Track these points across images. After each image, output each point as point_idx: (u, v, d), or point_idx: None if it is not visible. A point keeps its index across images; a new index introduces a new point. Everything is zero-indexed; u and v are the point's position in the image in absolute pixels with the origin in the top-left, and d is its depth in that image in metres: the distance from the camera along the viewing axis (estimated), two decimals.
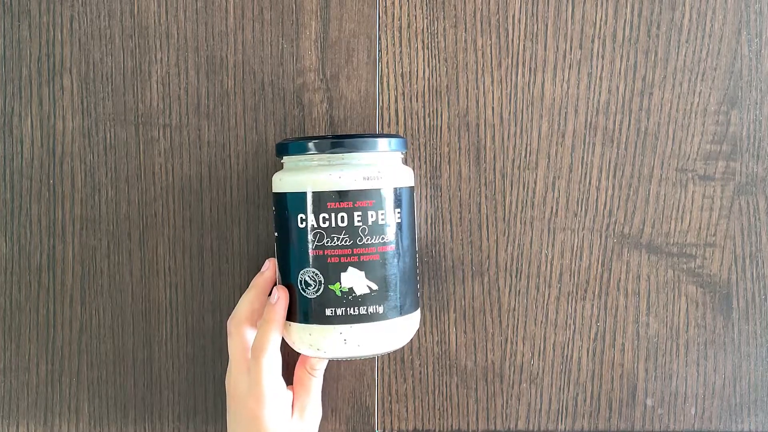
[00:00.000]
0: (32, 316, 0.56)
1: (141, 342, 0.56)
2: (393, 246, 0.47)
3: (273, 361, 0.49)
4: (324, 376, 0.55)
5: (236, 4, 0.55)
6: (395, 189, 0.48)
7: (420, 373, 0.56)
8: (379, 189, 0.47)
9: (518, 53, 0.55)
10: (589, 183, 0.56)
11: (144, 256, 0.56)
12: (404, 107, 0.55)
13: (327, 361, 0.54)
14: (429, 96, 0.55)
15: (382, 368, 0.56)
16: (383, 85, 0.55)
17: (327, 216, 0.46)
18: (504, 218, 0.56)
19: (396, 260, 0.48)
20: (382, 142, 0.48)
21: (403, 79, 0.55)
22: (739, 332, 0.56)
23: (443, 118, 0.55)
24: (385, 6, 0.55)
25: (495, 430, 0.56)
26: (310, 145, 0.47)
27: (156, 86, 0.56)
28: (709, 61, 0.55)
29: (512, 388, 0.56)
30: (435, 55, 0.55)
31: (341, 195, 0.46)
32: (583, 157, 0.55)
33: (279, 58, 0.55)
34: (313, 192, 0.47)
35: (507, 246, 0.56)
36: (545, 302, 0.56)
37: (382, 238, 0.47)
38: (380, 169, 0.47)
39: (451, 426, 0.56)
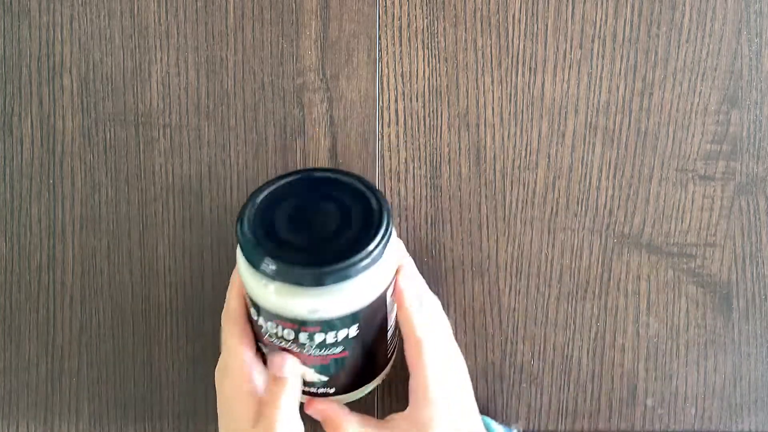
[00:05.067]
0: (32, 316, 0.56)
1: (141, 342, 0.56)
2: (347, 352, 0.44)
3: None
4: None
5: (236, 4, 0.55)
6: (350, 313, 0.42)
7: None
8: (327, 319, 0.41)
9: (518, 53, 0.55)
10: (589, 183, 0.56)
11: (144, 256, 0.56)
12: (404, 107, 0.55)
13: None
14: (429, 96, 0.55)
15: None
16: (383, 85, 0.55)
17: (274, 325, 0.43)
18: (504, 218, 0.56)
19: (351, 360, 0.44)
20: (331, 276, 0.40)
21: (403, 79, 0.55)
22: (739, 332, 0.56)
23: (443, 118, 0.55)
24: (385, 6, 0.55)
25: None
26: (254, 261, 0.41)
27: (156, 86, 0.56)
28: (709, 61, 0.55)
29: (512, 388, 0.56)
30: (435, 55, 0.55)
31: (284, 318, 0.42)
32: (583, 157, 0.55)
33: (279, 58, 0.55)
34: (260, 304, 0.42)
35: (507, 246, 0.56)
36: (545, 302, 0.56)
37: (333, 350, 0.43)
38: (329, 299, 0.41)
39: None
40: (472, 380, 0.57)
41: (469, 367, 0.57)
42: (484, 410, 0.56)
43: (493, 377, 0.56)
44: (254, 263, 0.41)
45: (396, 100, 0.55)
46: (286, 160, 0.56)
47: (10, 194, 0.56)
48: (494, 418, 0.56)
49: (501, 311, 0.56)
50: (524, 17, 0.55)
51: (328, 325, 0.42)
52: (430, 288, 0.56)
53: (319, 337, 0.42)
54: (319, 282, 0.40)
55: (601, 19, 0.55)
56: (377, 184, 0.56)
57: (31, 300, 0.56)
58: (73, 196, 0.56)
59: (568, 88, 0.55)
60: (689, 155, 0.56)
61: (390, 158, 0.56)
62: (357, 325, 0.43)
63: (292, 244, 0.41)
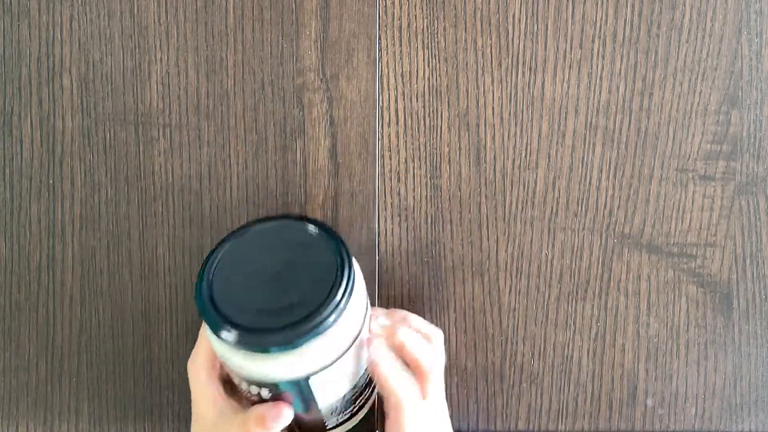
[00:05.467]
0: (32, 316, 0.56)
1: (141, 342, 0.56)
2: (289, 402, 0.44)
3: None
4: None
5: (236, 4, 0.55)
6: (257, 380, 0.42)
7: None
8: (240, 375, 0.42)
9: (518, 53, 0.55)
10: (590, 183, 0.56)
11: (144, 256, 0.56)
12: (404, 107, 0.55)
13: None
14: (429, 96, 0.55)
15: None
16: (383, 85, 0.55)
17: None
18: (504, 218, 0.56)
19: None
20: (240, 345, 0.40)
21: (403, 79, 0.55)
22: (739, 332, 0.56)
23: (443, 118, 0.55)
24: (385, 6, 0.55)
25: (495, 430, 0.56)
26: (200, 310, 0.42)
27: (156, 86, 0.56)
28: (709, 61, 0.55)
29: (512, 388, 0.56)
30: (435, 55, 0.55)
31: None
32: (583, 157, 0.55)
33: (279, 57, 0.55)
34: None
35: (507, 246, 0.56)
36: (545, 302, 0.56)
37: (258, 397, 0.44)
38: (237, 361, 0.42)
39: (452, 426, 0.56)
40: (472, 380, 0.57)
41: (469, 367, 0.57)
42: (485, 410, 0.56)
43: (493, 377, 0.56)
44: (202, 313, 0.42)
45: (396, 100, 0.55)
46: (286, 160, 0.56)
47: (10, 194, 0.56)
48: (494, 417, 0.56)
49: (501, 311, 0.56)
50: (524, 17, 0.55)
51: (244, 379, 0.43)
52: (431, 288, 0.56)
53: (238, 379, 0.43)
54: (233, 346, 0.40)
55: (601, 19, 0.55)
56: (377, 184, 0.56)
57: (31, 300, 0.56)
58: (72, 196, 0.56)
59: (568, 88, 0.55)
60: (689, 155, 0.56)
61: (390, 158, 0.56)
62: (267, 389, 0.43)
63: (233, 306, 0.41)
